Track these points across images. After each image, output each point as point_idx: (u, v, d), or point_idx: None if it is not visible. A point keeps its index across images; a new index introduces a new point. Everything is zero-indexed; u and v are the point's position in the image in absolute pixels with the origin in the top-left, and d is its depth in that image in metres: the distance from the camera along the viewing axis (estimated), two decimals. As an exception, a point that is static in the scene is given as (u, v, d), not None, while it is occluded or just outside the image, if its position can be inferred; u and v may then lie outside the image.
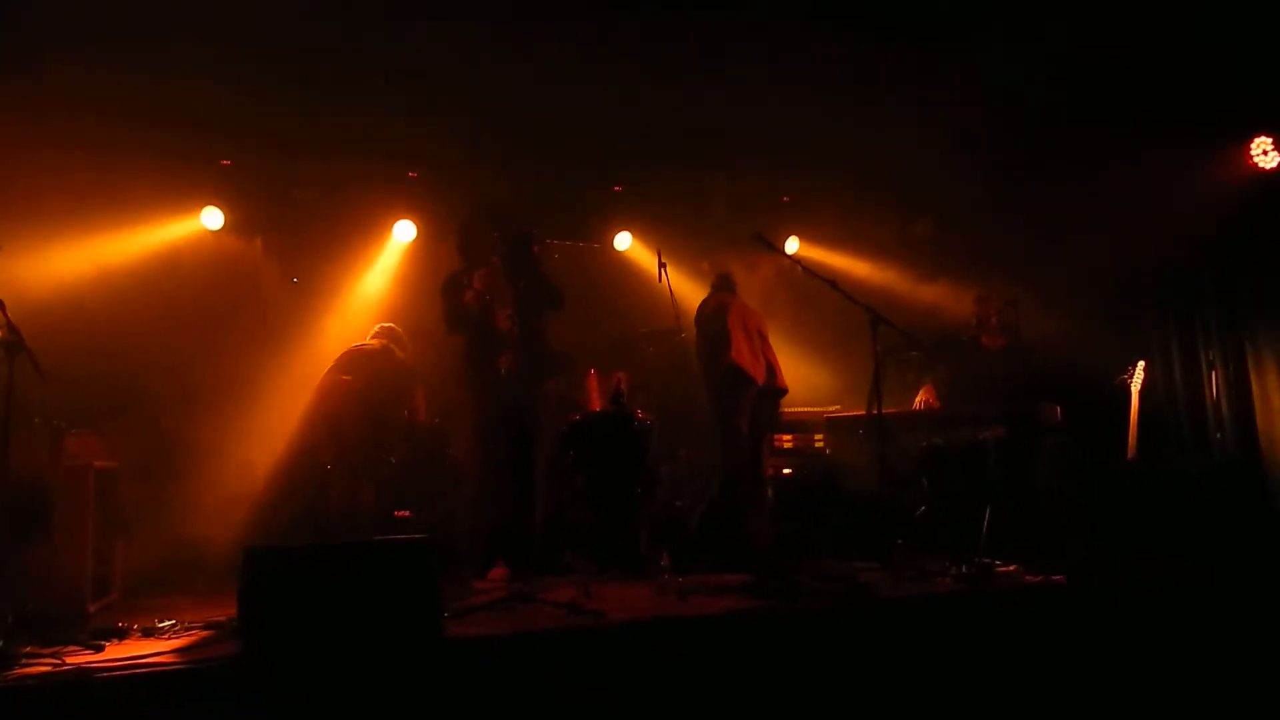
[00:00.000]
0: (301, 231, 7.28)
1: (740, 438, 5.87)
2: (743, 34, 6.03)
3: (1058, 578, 4.55)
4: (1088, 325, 6.92)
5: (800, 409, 6.98)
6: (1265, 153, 6.52)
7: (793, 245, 8.19)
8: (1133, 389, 5.96)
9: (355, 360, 5.98)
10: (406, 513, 6.39)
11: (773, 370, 6.06)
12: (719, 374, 5.93)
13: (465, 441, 5.76)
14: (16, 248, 4.33)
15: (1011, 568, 4.81)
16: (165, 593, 4.88)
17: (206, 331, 6.68)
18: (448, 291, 5.44)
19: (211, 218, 6.91)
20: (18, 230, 5.51)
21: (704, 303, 6.24)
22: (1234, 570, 4.89)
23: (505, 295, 5.29)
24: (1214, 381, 6.86)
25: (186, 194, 6.81)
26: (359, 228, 7.39)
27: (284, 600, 3.27)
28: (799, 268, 5.53)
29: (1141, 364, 6.06)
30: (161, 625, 3.81)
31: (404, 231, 7.44)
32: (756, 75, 6.43)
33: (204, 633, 3.74)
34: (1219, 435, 6.77)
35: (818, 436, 6.91)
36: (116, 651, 3.45)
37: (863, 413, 5.59)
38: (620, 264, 8.10)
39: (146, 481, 5.68)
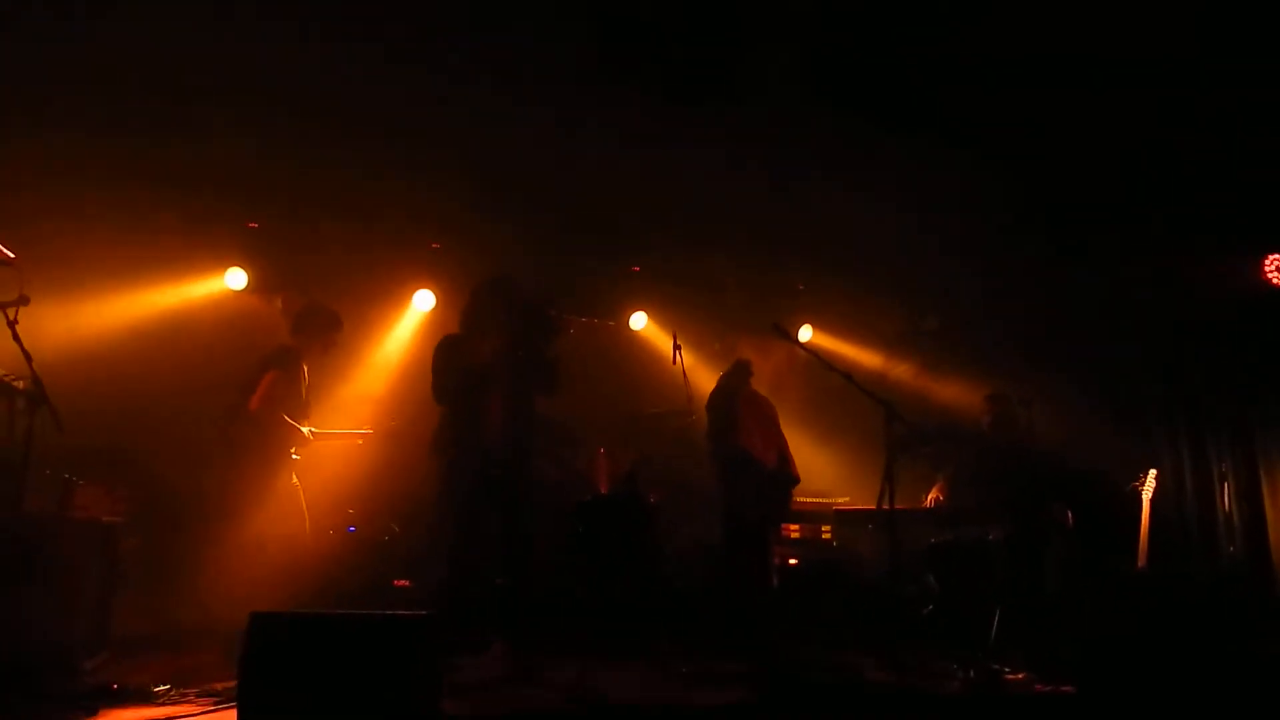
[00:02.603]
0: (322, 293, 7.34)
1: (746, 523, 5.84)
2: (761, 126, 6.21)
3: (1067, 688, 4.45)
4: (1098, 430, 6.91)
5: (809, 499, 6.96)
6: (1279, 269, 6.60)
7: (806, 333, 8.25)
8: (1144, 497, 5.93)
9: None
10: (406, 582, 6.33)
11: (784, 458, 6.06)
12: (728, 458, 5.93)
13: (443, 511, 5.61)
14: (45, 300, 4.39)
15: (1020, 675, 4.71)
16: (161, 651, 4.78)
17: (221, 388, 6.70)
18: (442, 353, 5.21)
19: (235, 278, 7.01)
20: (48, 284, 5.59)
21: (717, 387, 6.27)
22: (1243, 677, 4.77)
23: (504, 365, 5.12)
24: (1225, 492, 6.82)
25: (212, 254, 6.92)
26: (379, 293, 7.48)
27: (285, 670, 3.23)
28: (815, 358, 5.55)
29: (1153, 472, 6.04)
30: (157, 690, 3.75)
31: (423, 300, 7.53)
32: (773, 167, 6.60)
33: (200, 700, 3.68)
34: (1231, 547, 6.70)
35: (825, 528, 6.88)
36: (110, 717, 3.40)
37: (872, 506, 5.55)
38: (635, 343, 8.16)
39: (149, 536, 5.66)
